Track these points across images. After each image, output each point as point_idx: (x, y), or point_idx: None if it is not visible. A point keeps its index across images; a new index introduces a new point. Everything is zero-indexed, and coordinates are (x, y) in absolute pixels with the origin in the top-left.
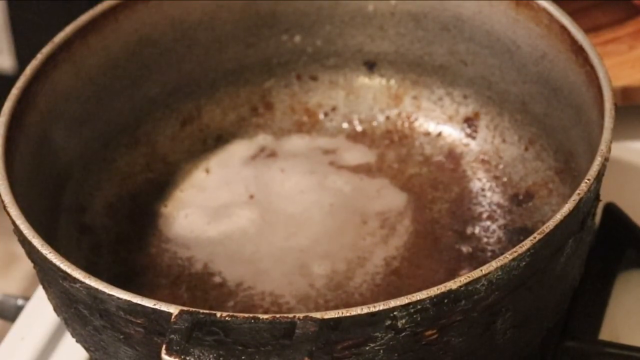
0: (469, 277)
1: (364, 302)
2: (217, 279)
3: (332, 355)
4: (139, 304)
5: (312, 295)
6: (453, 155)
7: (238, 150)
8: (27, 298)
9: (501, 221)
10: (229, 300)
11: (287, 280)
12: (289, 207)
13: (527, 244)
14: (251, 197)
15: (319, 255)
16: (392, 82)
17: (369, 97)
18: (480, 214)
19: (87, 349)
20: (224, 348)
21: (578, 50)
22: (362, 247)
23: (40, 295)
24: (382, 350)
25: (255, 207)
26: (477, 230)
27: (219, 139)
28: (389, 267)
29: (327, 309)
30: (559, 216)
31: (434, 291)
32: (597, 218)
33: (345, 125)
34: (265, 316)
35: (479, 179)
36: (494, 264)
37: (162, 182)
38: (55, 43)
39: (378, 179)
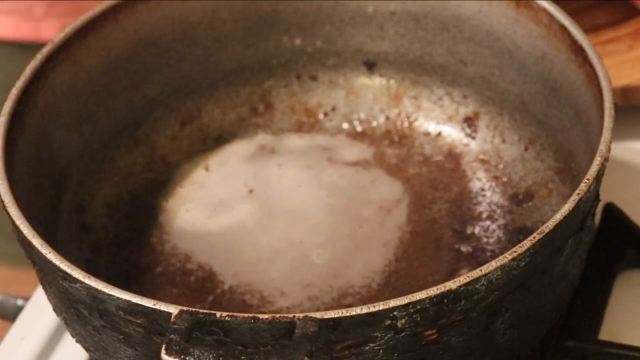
0: (468, 277)
1: (364, 288)
2: (217, 272)
3: (332, 355)
4: (139, 304)
5: (313, 283)
6: (453, 155)
7: (237, 149)
8: (27, 298)
9: (501, 221)
10: (231, 292)
11: (288, 270)
12: (287, 200)
13: (526, 244)
14: (250, 191)
15: (317, 245)
16: (392, 82)
17: (369, 97)
18: (480, 213)
19: (86, 349)
20: (223, 348)
21: (578, 50)
22: (359, 234)
23: (40, 295)
24: (382, 350)
25: (254, 201)
26: (476, 230)
27: (219, 139)
28: (387, 251)
29: (329, 294)
30: (558, 216)
31: (433, 291)
32: (597, 218)
33: (345, 125)
34: (265, 316)
35: (479, 179)
36: (493, 264)
37: (162, 182)
38: (55, 43)
39: (373, 170)
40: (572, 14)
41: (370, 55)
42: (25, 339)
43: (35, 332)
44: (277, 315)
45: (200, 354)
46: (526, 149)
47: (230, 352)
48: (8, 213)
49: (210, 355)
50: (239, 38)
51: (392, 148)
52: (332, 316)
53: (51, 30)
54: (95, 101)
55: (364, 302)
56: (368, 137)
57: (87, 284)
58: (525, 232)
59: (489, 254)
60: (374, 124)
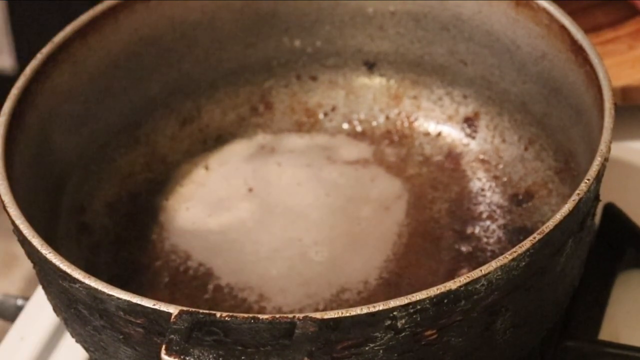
0: (468, 277)
1: (362, 285)
2: (217, 270)
3: (331, 355)
4: (139, 304)
5: (311, 280)
6: (453, 155)
7: (237, 149)
8: (27, 298)
9: (501, 221)
10: (230, 289)
11: (287, 267)
12: (286, 198)
13: (526, 244)
14: (250, 190)
15: (316, 243)
16: (392, 82)
17: (369, 97)
18: (480, 213)
19: (86, 349)
20: (223, 348)
21: (578, 50)
22: (358, 232)
23: (40, 295)
24: (382, 350)
25: (254, 200)
26: (476, 230)
27: (219, 139)
28: (385, 249)
29: (328, 291)
30: (558, 216)
31: (433, 291)
32: (597, 218)
33: (345, 125)
34: (265, 316)
35: (479, 179)
36: (493, 264)
37: (162, 182)
38: (55, 43)
39: (373, 169)
40: (572, 14)
41: (370, 55)
42: (25, 339)
43: (35, 332)
44: (277, 316)
45: (200, 354)
46: (526, 149)
47: (230, 352)
48: (8, 213)
49: (210, 356)
50: (239, 38)
51: (392, 148)
52: (332, 316)
53: None
54: (95, 101)
55: (362, 299)
56: (368, 137)
57: (87, 284)
58: (525, 232)
59: (489, 254)
60: (374, 124)
